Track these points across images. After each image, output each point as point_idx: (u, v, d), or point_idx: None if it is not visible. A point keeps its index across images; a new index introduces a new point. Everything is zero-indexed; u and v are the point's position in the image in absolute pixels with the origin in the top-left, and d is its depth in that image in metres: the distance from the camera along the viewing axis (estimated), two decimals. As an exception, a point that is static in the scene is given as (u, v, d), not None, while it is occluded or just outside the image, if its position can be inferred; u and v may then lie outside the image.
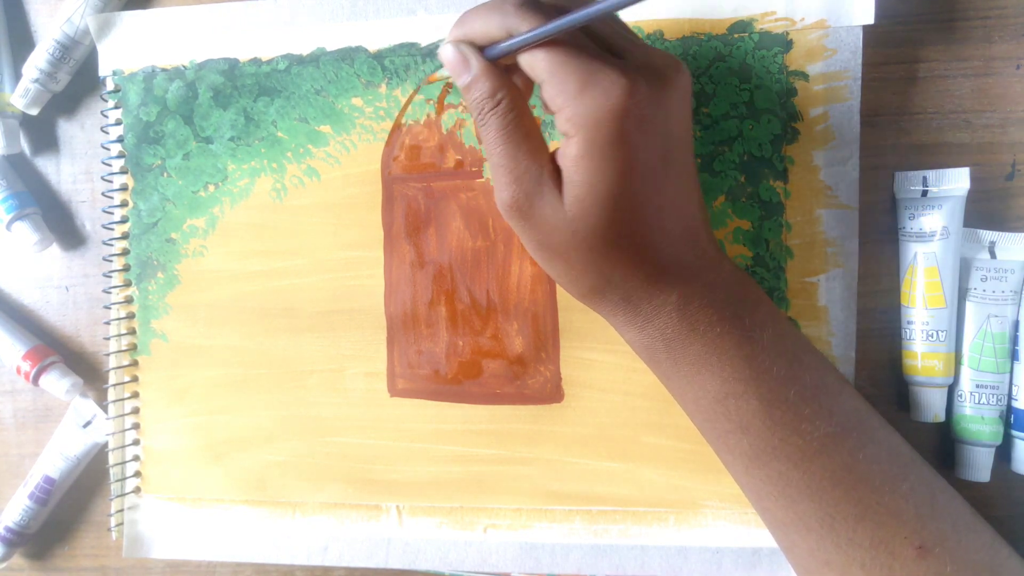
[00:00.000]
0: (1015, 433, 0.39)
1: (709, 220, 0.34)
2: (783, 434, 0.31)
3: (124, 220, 0.47)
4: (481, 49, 0.32)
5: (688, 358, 0.32)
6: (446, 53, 0.32)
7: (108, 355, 0.47)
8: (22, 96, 0.46)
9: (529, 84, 0.33)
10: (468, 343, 0.43)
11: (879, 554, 0.30)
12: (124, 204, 0.47)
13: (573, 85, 0.29)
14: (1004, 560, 0.31)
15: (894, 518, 0.30)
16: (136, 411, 0.47)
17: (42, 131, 0.49)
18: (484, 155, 0.31)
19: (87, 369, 0.49)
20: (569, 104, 0.29)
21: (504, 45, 0.31)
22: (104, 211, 0.47)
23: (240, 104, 0.45)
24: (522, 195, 0.30)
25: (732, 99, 0.40)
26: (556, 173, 0.30)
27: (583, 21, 0.28)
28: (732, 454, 0.33)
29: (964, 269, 0.39)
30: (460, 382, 0.43)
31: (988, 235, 0.39)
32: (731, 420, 0.32)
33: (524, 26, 0.30)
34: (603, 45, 0.31)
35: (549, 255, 0.32)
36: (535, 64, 0.30)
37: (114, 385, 0.47)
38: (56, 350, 0.49)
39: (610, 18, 0.31)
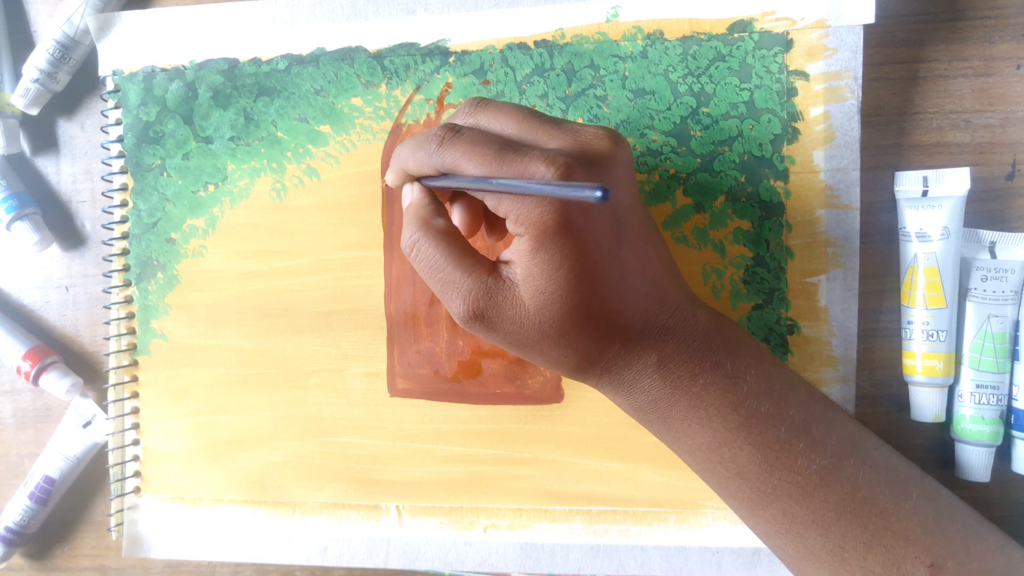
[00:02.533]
0: (1015, 433, 0.39)
1: (678, 273, 0.34)
2: (780, 474, 0.31)
3: (124, 220, 0.47)
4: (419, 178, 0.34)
5: (677, 415, 0.32)
6: (389, 180, 0.35)
7: (108, 355, 0.47)
8: (22, 96, 0.46)
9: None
10: (468, 343, 0.43)
11: None
12: (124, 204, 0.47)
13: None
14: (1017, 564, 0.31)
15: (902, 539, 0.30)
16: (136, 411, 0.47)
17: (42, 131, 0.49)
18: (427, 282, 0.33)
19: (87, 369, 0.49)
20: (512, 208, 0.30)
21: (437, 184, 0.33)
22: (104, 211, 0.47)
23: (240, 104, 0.45)
24: (478, 307, 0.31)
25: (732, 99, 0.40)
26: (501, 277, 0.31)
27: (508, 189, 0.29)
28: (735, 499, 0.33)
29: (964, 269, 0.39)
30: (460, 382, 0.43)
31: (988, 235, 0.39)
32: (728, 468, 0.32)
33: (445, 158, 0.31)
34: (531, 139, 0.31)
35: (524, 350, 0.32)
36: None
37: (114, 385, 0.47)
38: (56, 350, 0.49)
39: (524, 117, 0.32)
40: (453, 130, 0.31)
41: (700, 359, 0.32)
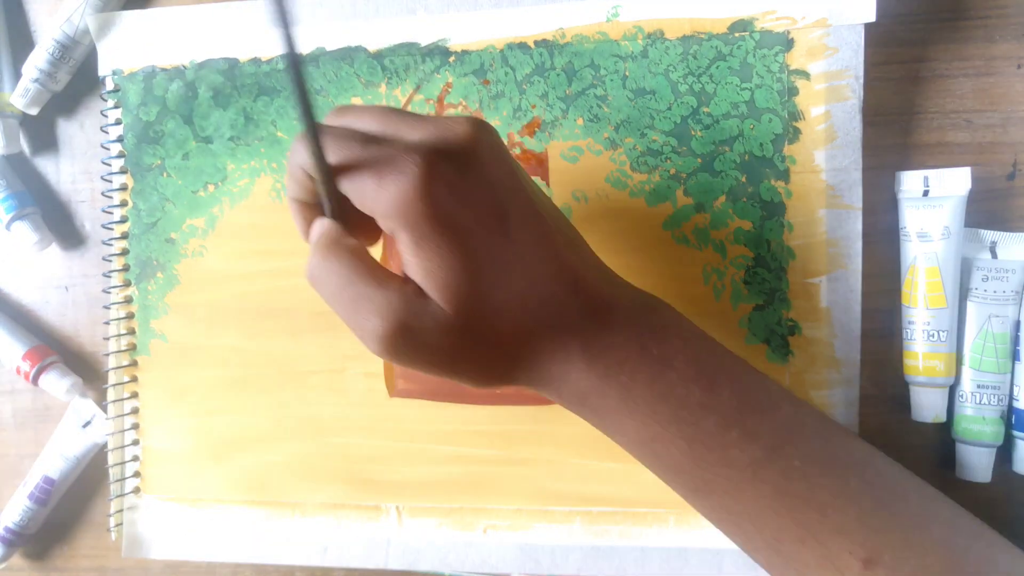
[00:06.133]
0: (1016, 433, 0.39)
1: (589, 255, 0.32)
2: (713, 468, 0.30)
3: (124, 220, 0.47)
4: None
5: (607, 408, 0.31)
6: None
7: (107, 355, 0.47)
8: (22, 96, 0.46)
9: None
10: (468, 343, 0.43)
11: (826, 571, 0.29)
12: (124, 204, 0.47)
13: (371, 183, 0.28)
14: (958, 555, 0.29)
15: (837, 533, 0.29)
16: (135, 411, 0.47)
17: (42, 131, 0.49)
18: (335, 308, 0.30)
19: (87, 369, 0.49)
20: (376, 202, 0.28)
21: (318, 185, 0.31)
22: (104, 211, 0.47)
23: (240, 104, 0.45)
24: (399, 320, 0.28)
25: (733, 98, 0.40)
26: (417, 289, 0.29)
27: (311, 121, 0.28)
28: (675, 489, 0.32)
29: (965, 269, 0.39)
30: (460, 382, 0.43)
31: (989, 235, 0.39)
32: (662, 462, 0.31)
33: (301, 156, 0.29)
34: (392, 133, 0.30)
35: (453, 364, 0.30)
36: (340, 185, 0.29)
37: (113, 385, 0.47)
38: (56, 350, 0.49)
39: (386, 113, 0.31)
40: None
41: (625, 344, 0.30)
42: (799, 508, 0.30)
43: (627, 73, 0.41)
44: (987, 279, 0.39)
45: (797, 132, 0.39)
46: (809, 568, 0.30)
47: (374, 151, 0.28)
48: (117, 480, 0.47)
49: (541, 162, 0.42)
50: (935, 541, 0.29)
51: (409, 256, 0.28)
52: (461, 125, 0.29)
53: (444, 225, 0.28)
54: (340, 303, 0.29)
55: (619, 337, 0.30)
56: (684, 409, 0.30)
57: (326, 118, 0.33)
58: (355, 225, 0.32)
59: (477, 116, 0.30)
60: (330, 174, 0.30)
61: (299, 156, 0.30)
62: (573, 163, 0.42)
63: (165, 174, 0.46)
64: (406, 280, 0.29)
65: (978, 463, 0.39)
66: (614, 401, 0.30)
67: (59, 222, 0.49)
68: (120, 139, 0.46)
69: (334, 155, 0.29)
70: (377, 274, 0.29)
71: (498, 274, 0.29)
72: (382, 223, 0.29)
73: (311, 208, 0.32)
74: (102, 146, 0.47)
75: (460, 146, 0.29)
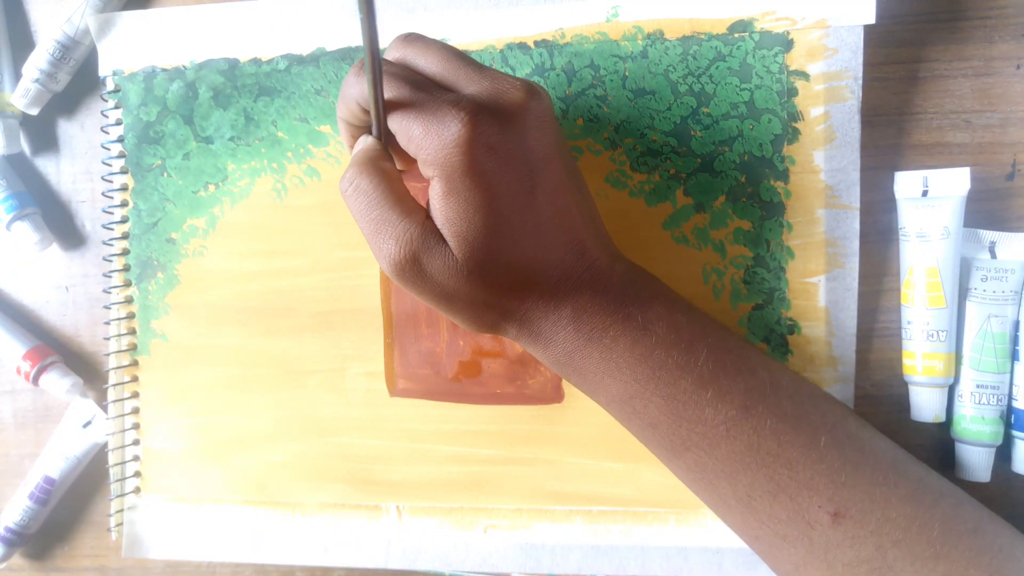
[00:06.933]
0: (1015, 433, 0.39)
1: (600, 228, 0.34)
2: (689, 425, 0.32)
3: (124, 220, 0.47)
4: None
5: (590, 368, 0.33)
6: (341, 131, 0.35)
7: (108, 355, 0.47)
8: (22, 96, 0.46)
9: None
10: (468, 343, 0.43)
11: (797, 525, 0.31)
12: (124, 204, 0.47)
13: (418, 130, 0.30)
14: (923, 510, 0.30)
15: (807, 488, 0.31)
16: (136, 411, 0.47)
17: (42, 131, 0.49)
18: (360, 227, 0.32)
19: (87, 369, 0.49)
20: (420, 148, 0.30)
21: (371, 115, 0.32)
22: (104, 211, 0.47)
23: (240, 104, 0.45)
24: (412, 251, 0.31)
25: (732, 99, 0.40)
26: (435, 228, 0.31)
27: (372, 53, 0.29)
28: (652, 447, 0.34)
29: (964, 269, 0.39)
30: (460, 382, 0.43)
31: (988, 235, 0.39)
32: (641, 419, 0.33)
33: (365, 90, 0.31)
34: (451, 80, 0.32)
35: (449, 302, 0.32)
36: (390, 123, 0.31)
37: (114, 385, 0.47)
38: (56, 350, 0.49)
39: (448, 58, 0.32)
40: None
41: (612, 311, 0.32)
42: (770, 464, 0.31)
43: (627, 73, 0.41)
44: (986, 279, 0.39)
45: (796, 132, 0.39)
46: (781, 523, 0.31)
47: (425, 98, 0.30)
48: (117, 480, 0.47)
49: (541, 162, 0.42)
50: (901, 497, 0.31)
51: (437, 202, 0.30)
52: (516, 90, 0.31)
53: (475, 183, 0.29)
54: (365, 221, 0.31)
55: (608, 306, 0.32)
56: (662, 370, 0.32)
57: (390, 45, 0.34)
58: (398, 151, 0.34)
59: (531, 82, 0.32)
60: (383, 107, 0.31)
61: (353, 89, 0.32)
62: (573, 163, 0.42)
63: (166, 174, 0.46)
64: (428, 216, 0.31)
65: (977, 463, 0.39)
66: (595, 361, 0.32)
67: (60, 222, 0.49)
68: (121, 139, 0.46)
69: (388, 94, 0.31)
70: (404, 202, 0.31)
71: (513, 237, 0.31)
72: (421, 168, 0.31)
73: (358, 128, 0.34)
74: (102, 146, 0.47)
75: (509, 110, 0.30)
